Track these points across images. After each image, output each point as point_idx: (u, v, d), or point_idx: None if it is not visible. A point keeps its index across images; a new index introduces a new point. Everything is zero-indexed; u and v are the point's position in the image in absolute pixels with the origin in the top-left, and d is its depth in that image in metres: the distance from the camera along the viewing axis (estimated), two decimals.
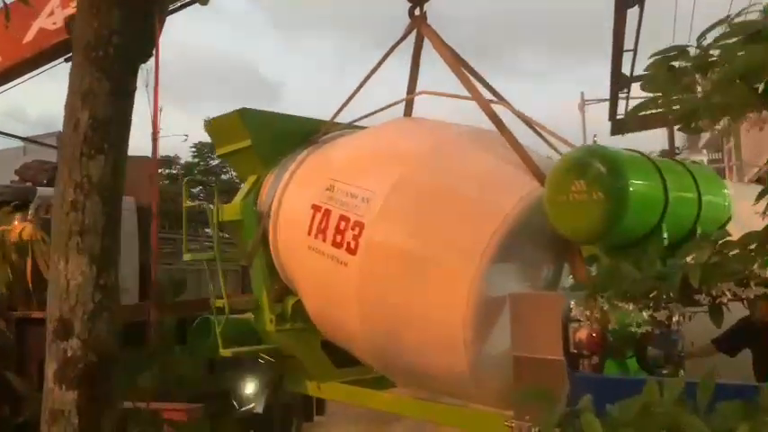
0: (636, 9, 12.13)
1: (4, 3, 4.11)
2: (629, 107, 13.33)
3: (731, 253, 2.24)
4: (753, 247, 2.20)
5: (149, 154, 15.03)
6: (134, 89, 3.14)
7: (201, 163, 27.89)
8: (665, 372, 4.24)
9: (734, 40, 1.96)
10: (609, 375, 4.83)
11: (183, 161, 27.17)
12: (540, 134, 5.97)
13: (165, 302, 3.26)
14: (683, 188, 4.58)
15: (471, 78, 5.89)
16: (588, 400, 2.17)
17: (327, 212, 5.78)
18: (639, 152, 4.66)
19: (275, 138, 7.03)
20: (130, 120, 3.14)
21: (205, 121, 7.58)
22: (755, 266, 2.15)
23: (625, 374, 4.62)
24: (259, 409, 11.64)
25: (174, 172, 25.68)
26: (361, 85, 6.57)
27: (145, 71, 3.23)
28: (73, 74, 3.01)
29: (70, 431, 2.81)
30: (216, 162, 26.14)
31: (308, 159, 6.62)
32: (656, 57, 2.45)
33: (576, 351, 4.04)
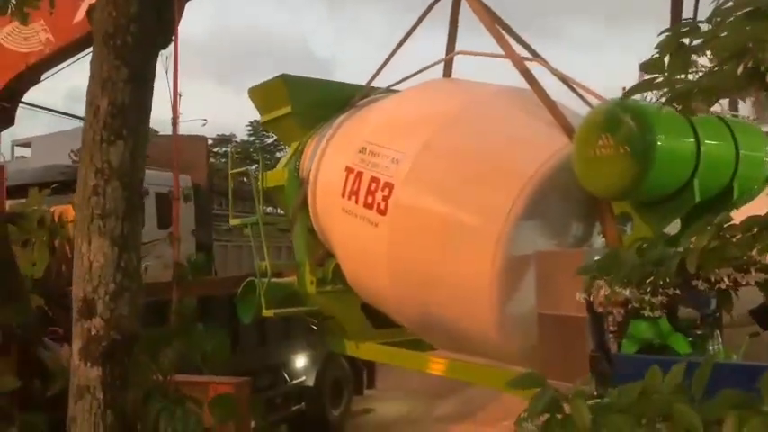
0: None
1: None
2: None
3: (735, 238, 2.18)
4: (754, 231, 2.14)
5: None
6: (153, 76, 3.22)
7: (257, 141, 28.32)
8: (699, 332, 4.12)
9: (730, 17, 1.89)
10: (654, 357, 4.74)
11: (238, 139, 27.70)
12: (578, 93, 5.83)
13: (185, 282, 3.36)
14: (719, 142, 4.37)
15: (506, 36, 5.76)
16: (583, 382, 2.16)
17: (359, 174, 5.86)
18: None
19: (316, 104, 7.13)
20: (150, 106, 3.22)
21: (249, 89, 7.71)
22: (755, 252, 2.08)
23: (667, 347, 4.53)
24: (310, 383, 11.88)
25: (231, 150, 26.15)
26: (398, 47, 6.58)
27: (164, 57, 3.29)
28: (93, 62, 3.11)
29: (95, 405, 2.95)
30: (271, 140, 26.52)
31: (345, 124, 6.71)
32: (667, 33, 2.39)
33: (599, 308, 3.99)
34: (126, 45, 3.07)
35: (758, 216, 2.13)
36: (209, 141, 20.32)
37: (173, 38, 3.33)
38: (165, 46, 3.30)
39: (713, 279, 2.26)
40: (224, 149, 26.06)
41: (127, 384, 3.01)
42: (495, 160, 5.10)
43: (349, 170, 6.00)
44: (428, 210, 5.29)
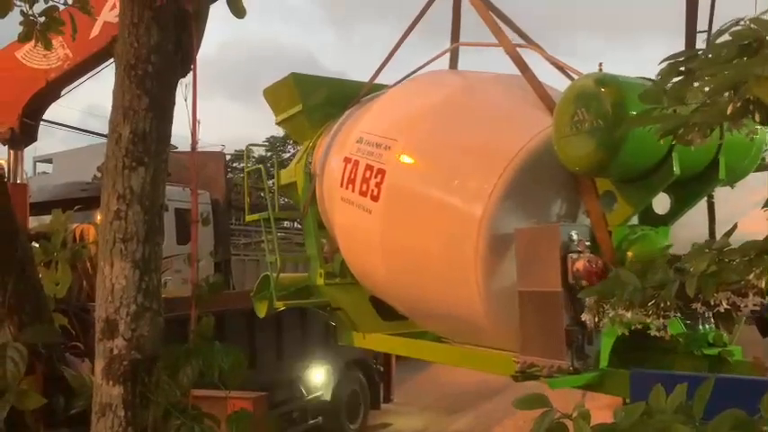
0: None
1: (70, 15, 4.42)
2: None
3: (734, 262, 2.24)
4: (752, 256, 2.19)
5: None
6: (173, 104, 3.35)
7: (274, 156, 28.62)
8: (689, 312, 4.12)
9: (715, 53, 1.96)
10: (670, 372, 4.74)
11: (256, 155, 27.97)
12: (574, 79, 5.88)
13: (203, 302, 3.47)
14: None
15: (500, 23, 5.81)
16: (582, 406, 2.22)
17: (356, 163, 6.05)
18: (650, 79, 4.43)
19: (326, 101, 7.35)
20: (170, 133, 3.35)
21: (264, 90, 7.95)
22: (752, 276, 2.14)
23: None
24: (327, 397, 11.96)
25: (250, 165, 26.37)
26: (400, 42, 6.79)
27: (184, 85, 3.42)
28: (115, 91, 3.24)
29: (117, 423, 3.06)
30: (288, 155, 26.79)
31: (348, 119, 6.90)
32: (668, 61, 2.46)
33: (573, 282, 4.02)
34: (147, 75, 3.20)
35: (756, 241, 2.19)
36: (228, 157, 20.53)
37: (191, 67, 3.44)
38: (184, 75, 3.43)
39: (712, 303, 2.32)
40: (242, 165, 26.41)
41: (148, 402, 3.12)
42: (481, 144, 5.21)
43: (347, 160, 6.21)
44: (416, 194, 5.45)
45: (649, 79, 4.39)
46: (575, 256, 4.07)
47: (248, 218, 8.85)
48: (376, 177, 5.75)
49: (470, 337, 5.67)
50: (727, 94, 2.04)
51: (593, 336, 3.91)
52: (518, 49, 5.57)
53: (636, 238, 4.33)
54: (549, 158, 4.56)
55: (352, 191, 6.04)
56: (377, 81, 7.15)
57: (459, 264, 4.97)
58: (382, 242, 5.75)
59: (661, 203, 4.62)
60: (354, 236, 6.28)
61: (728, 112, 1.70)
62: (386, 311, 6.99)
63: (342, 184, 6.21)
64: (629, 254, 4.23)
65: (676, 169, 4.10)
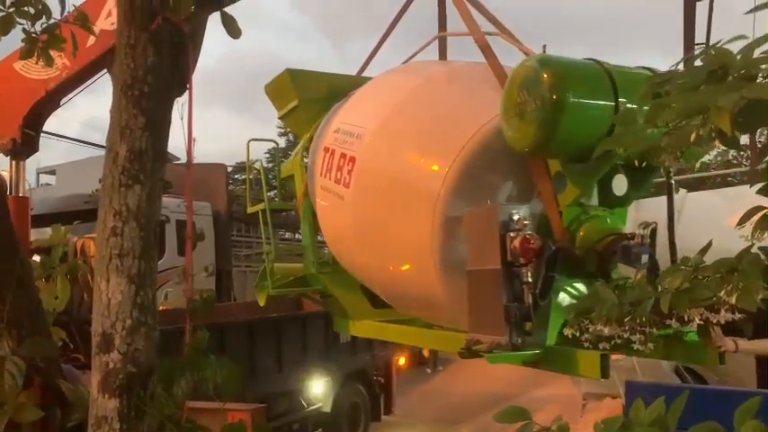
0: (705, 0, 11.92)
1: (71, 31, 4.50)
2: None
3: (707, 279, 2.31)
4: (723, 273, 2.26)
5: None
6: (168, 123, 3.44)
7: (276, 167, 28.63)
8: None
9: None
10: (667, 384, 4.76)
11: (257, 166, 27.98)
12: None
13: (198, 315, 3.54)
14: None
15: (472, 10, 5.91)
16: (560, 419, 2.29)
17: (333, 152, 6.26)
18: (595, 60, 4.51)
19: (323, 96, 7.52)
20: (166, 151, 3.43)
21: (264, 85, 8.15)
22: (723, 293, 2.20)
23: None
24: (327, 409, 11.99)
25: (251, 177, 26.44)
26: (385, 36, 6.92)
27: (180, 104, 3.51)
28: (113, 110, 3.32)
29: None
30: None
31: (333, 111, 7.08)
32: (649, 83, 2.53)
33: (512, 259, 4.11)
34: (143, 95, 3.28)
35: (727, 258, 2.26)
36: (229, 169, 20.60)
37: (187, 87, 3.53)
38: (180, 94, 3.51)
39: (686, 318, 2.39)
40: (243, 176, 26.50)
41: (143, 415, 3.18)
42: (441, 128, 5.37)
43: (326, 150, 6.43)
44: (380, 178, 5.66)
45: (596, 60, 4.47)
46: (513, 234, 4.17)
47: (249, 209, 9.13)
48: (348, 165, 5.95)
49: (435, 317, 5.83)
50: (700, 117, 2.12)
51: (533, 313, 3.97)
52: (511, 39, 5.73)
53: (587, 218, 4.42)
54: (504, 141, 4.67)
55: (329, 179, 6.26)
56: (371, 76, 7.32)
57: (417, 244, 5.13)
58: (353, 227, 5.96)
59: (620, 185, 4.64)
60: (331, 222, 6.53)
61: (692, 139, 1.77)
62: (378, 299, 7.17)
63: (321, 173, 6.43)
64: (580, 233, 4.32)
65: (621, 151, 4.14)
